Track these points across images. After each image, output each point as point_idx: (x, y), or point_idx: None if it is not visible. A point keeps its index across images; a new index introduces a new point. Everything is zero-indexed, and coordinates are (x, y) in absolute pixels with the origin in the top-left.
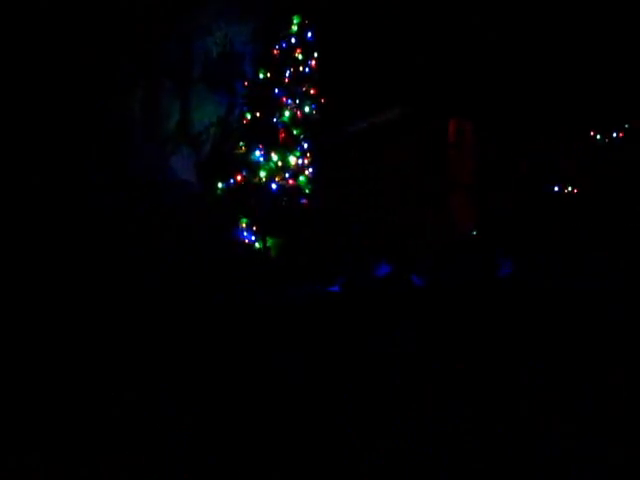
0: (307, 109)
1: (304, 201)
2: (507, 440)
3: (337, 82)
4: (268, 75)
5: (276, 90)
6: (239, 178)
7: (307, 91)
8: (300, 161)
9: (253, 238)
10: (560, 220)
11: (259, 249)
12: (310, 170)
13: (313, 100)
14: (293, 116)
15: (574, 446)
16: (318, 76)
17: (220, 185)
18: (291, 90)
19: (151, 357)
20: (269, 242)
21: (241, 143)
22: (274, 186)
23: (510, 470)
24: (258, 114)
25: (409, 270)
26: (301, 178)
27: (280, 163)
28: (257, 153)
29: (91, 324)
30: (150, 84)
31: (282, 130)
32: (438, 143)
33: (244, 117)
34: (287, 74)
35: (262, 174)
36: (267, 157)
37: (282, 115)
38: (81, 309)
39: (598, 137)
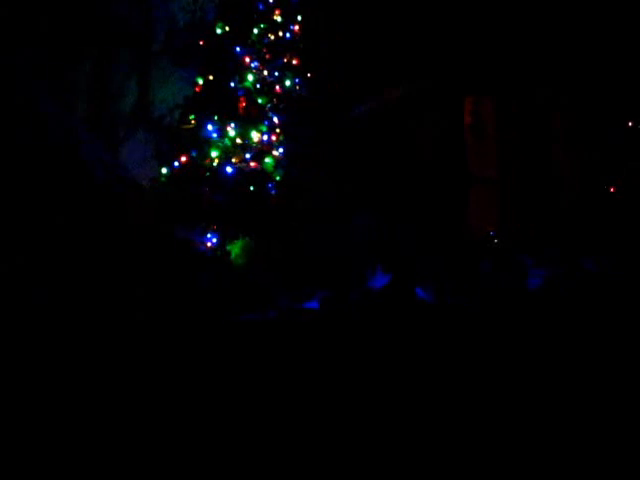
0: (288, 83)
1: (273, 191)
2: None
3: (328, 52)
4: (227, 29)
5: (237, 48)
6: (184, 159)
7: (289, 62)
8: (266, 137)
9: (215, 241)
10: (604, 222)
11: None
12: (280, 150)
13: (296, 73)
14: (259, 81)
15: None
16: (303, 44)
17: (164, 171)
18: (267, 59)
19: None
20: (231, 247)
21: (191, 116)
22: (230, 169)
23: None
24: (212, 77)
25: (413, 281)
26: (267, 160)
27: (239, 140)
28: (209, 127)
29: None
30: (101, 55)
31: (243, 98)
32: (453, 127)
33: (196, 84)
34: (263, 39)
35: (214, 154)
36: (222, 132)
37: (244, 79)
38: None
39: None
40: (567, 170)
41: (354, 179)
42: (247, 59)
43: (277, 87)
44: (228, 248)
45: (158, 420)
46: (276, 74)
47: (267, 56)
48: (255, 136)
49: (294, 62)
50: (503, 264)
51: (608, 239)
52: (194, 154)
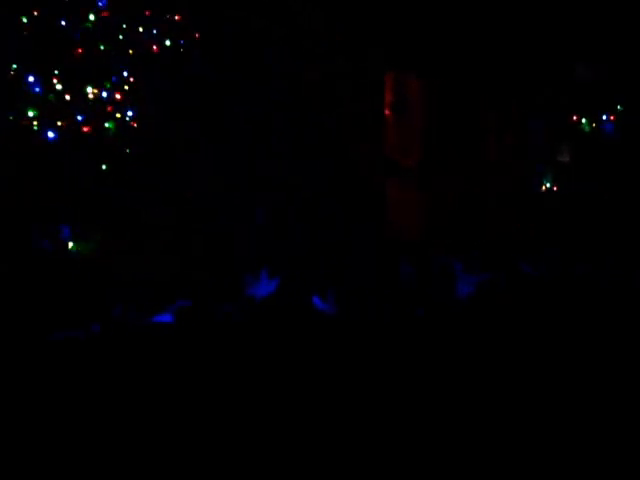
0: (168, 42)
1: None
2: None
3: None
4: None
5: None
6: None
7: (170, 18)
8: (105, 95)
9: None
10: (545, 220)
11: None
12: (129, 114)
13: (178, 31)
14: (106, 24)
15: None
16: None
17: None
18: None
19: None
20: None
21: (14, 66)
22: (52, 134)
23: None
24: (36, 14)
25: (309, 288)
26: (107, 125)
27: (68, 97)
28: (30, 79)
29: None
30: None
31: (79, 44)
32: (371, 107)
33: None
34: None
35: (31, 113)
36: (47, 87)
37: (83, 20)
38: None
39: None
40: (500, 165)
41: (250, 164)
42: None
43: (154, 47)
44: (79, 243)
45: None
46: (154, 32)
47: (146, 12)
48: (91, 92)
49: (176, 18)
50: (427, 268)
51: (550, 238)
52: (10, 115)
